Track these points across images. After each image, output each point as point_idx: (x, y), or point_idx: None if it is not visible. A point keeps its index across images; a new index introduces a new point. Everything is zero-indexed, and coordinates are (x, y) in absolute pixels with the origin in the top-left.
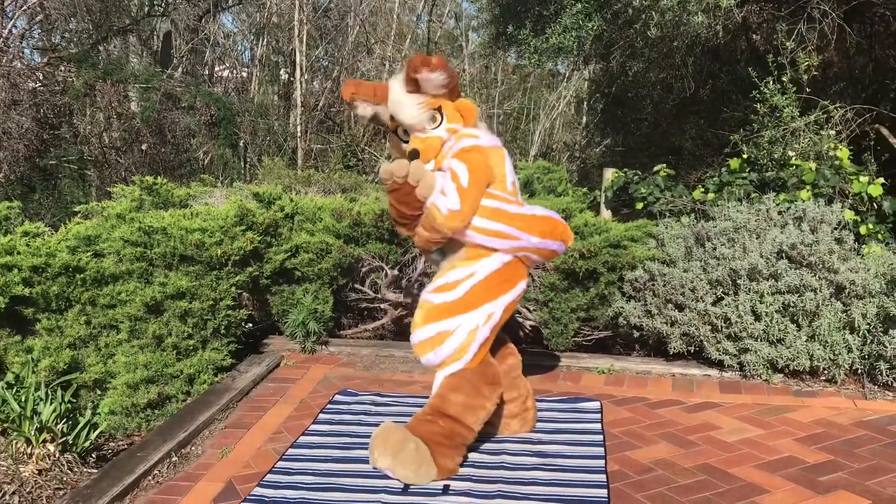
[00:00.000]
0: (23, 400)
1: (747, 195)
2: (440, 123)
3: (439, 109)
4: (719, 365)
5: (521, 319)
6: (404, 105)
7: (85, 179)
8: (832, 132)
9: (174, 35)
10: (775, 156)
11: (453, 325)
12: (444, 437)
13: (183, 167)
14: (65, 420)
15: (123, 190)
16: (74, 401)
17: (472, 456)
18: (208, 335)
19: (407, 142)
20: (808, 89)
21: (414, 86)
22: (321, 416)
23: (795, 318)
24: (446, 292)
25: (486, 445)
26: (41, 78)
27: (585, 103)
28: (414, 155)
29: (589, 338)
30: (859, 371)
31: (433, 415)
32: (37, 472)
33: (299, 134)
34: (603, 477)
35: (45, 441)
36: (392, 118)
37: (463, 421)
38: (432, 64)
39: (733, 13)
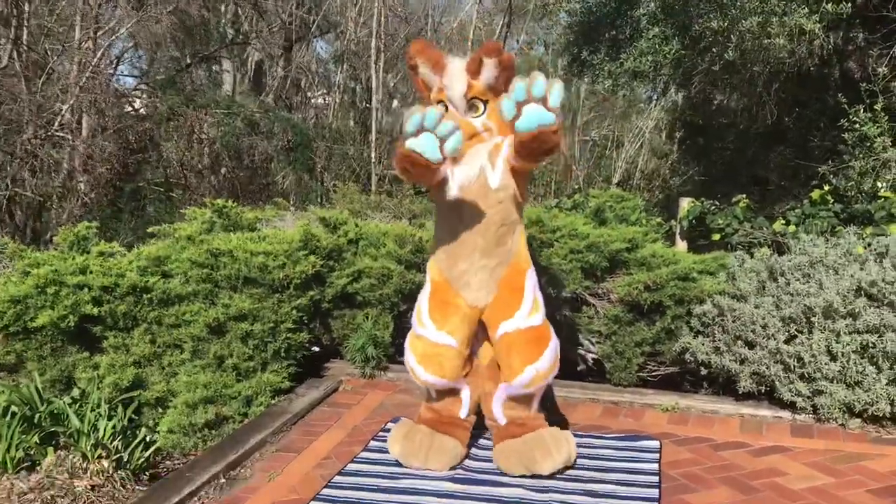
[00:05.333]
0: (83, 415)
1: (831, 228)
2: (481, 114)
3: (486, 102)
4: (791, 406)
5: (582, 352)
6: (458, 81)
7: (171, 201)
8: None
9: (266, 62)
10: (865, 187)
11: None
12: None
13: (262, 192)
14: (121, 437)
15: (195, 212)
16: (136, 418)
17: (518, 492)
18: (268, 357)
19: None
20: None
21: (477, 67)
22: (372, 443)
23: (875, 359)
24: (541, 307)
25: (533, 482)
26: (131, 104)
27: (664, 132)
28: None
29: (654, 373)
30: None
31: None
32: (90, 487)
33: (373, 159)
34: None
35: (100, 457)
36: (441, 90)
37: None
38: (502, 57)
39: (819, 37)
